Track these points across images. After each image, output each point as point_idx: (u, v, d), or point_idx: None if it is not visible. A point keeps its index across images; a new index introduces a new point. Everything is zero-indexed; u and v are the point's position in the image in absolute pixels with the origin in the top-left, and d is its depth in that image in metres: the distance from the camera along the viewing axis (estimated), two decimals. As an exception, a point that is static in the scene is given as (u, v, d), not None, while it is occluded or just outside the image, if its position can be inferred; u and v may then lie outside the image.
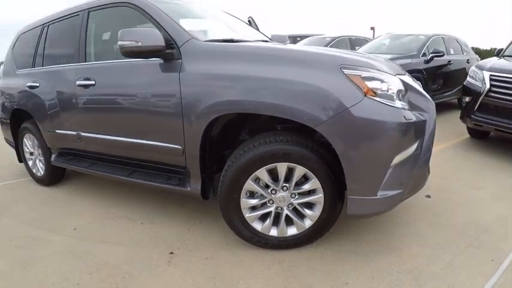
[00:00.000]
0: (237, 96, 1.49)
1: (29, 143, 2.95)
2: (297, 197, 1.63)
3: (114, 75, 2.02)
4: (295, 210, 1.66)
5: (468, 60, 5.14)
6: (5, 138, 3.38)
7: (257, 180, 1.60)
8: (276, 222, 1.69)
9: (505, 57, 3.52)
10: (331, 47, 5.80)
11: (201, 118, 1.58)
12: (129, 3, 1.98)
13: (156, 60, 1.77)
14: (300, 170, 1.54)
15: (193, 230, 1.99)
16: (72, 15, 2.40)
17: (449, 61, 4.70)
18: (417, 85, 1.75)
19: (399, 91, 1.48)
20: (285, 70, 1.44)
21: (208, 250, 1.77)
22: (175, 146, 1.75)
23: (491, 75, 2.94)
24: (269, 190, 1.62)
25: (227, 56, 1.59)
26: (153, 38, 1.62)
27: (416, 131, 1.53)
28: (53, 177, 2.88)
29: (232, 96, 1.50)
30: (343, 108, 1.36)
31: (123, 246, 1.88)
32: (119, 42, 1.65)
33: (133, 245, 1.89)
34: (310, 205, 1.64)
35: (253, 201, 1.64)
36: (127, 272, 1.65)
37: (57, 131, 2.50)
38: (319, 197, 1.59)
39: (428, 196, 2.28)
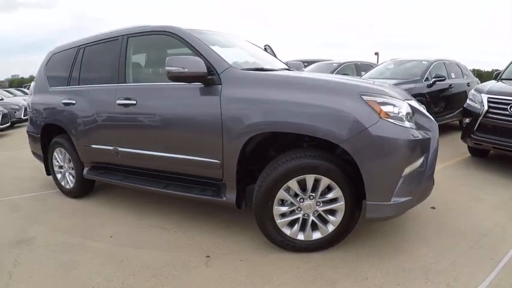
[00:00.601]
0: (276, 118, 1.84)
1: (59, 157, 3.24)
2: (321, 204, 1.94)
3: (156, 96, 2.37)
4: (319, 216, 1.97)
5: (468, 83, 5.61)
6: (32, 151, 3.67)
7: (288, 190, 1.92)
8: (302, 228, 1.99)
9: (503, 80, 3.97)
10: (337, 72, 6.25)
11: (241, 136, 1.92)
12: (168, 32, 2.35)
13: (197, 85, 2.11)
14: (325, 181, 1.87)
15: (225, 237, 2.27)
16: (110, 39, 2.74)
17: (451, 85, 5.16)
18: (422, 108, 2.11)
19: (407, 114, 1.84)
20: (315, 96, 1.80)
21: (241, 253, 2.06)
22: (214, 161, 2.07)
23: (488, 97, 3.35)
24: (298, 199, 1.93)
25: (262, 84, 1.97)
26: (197, 65, 1.98)
27: (422, 147, 1.87)
28: (83, 189, 3.17)
29: (271, 118, 1.85)
30: (362, 128, 1.71)
31: (161, 251, 2.14)
32: (167, 68, 2.00)
33: (170, 250, 2.15)
34: (332, 212, 1.96)
35: (284, 209, 1.96)
36: (168, 273, 1.90)
37: (92, 145, 2.81)
38: (340, 205, 1.91)
39: (433, 207, 2.59)
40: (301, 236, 1.99)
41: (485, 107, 3.30)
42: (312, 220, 1.97)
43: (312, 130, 1.77)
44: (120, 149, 2.60)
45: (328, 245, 2.02)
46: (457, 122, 5.45)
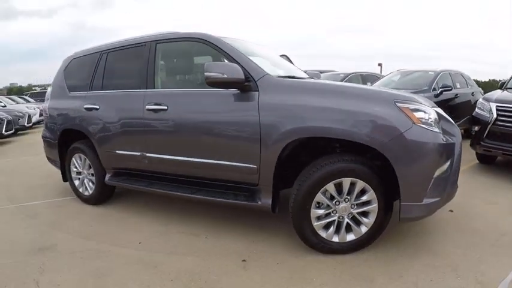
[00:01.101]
0: (317, 123, 1.99)
1: (78, 163, 3.30)
2: (355, 207, 2.09)
3: (188, 102, 2.48)
4: (353, 218, 2.11)
5: (473, 93, 5.95)
6: (47, 157, 3.72)
7: (324, 192, 2.06)
8: (336, 230, 2.12)
9: (508, 89, 4.27)
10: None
11: (280, 141, 2.05)
12: (201, 39, 2.48)
13: (233, 91, 2.24)
14: (360, 184, 2.02)
15: (257, 241, 2.38)
16: (136, 45, 2.84)
17: (456, 94, 5.46)
18: (446, 115, 2.30)
19: (435, 119, 2.03)
20: (353, 103, 1.97)
21: (277, 257, 2.17)
22: (251, 166, 2.19)
23: (497, 106, 3.60)
24: (334, 201, 2.08)
25: (300, 91, 2.13)
26: (237, 72, 2.11)
27: (449, 151, 2.05)
28: (102, 196, 3.24)
29: (312, 123, 2.00)
30: (398, 132, 1.88)
31: (195, 256, 2.21)
32: (206, 73, 2.13)
33: (204, 255, 2.23)
34: (365, 214, 2.10)
35: (321, 212, 2.09)
36: (207, 277, 1.97)
37: (116, 151, 2.88)
38: (374, 207, 2.06)
39: (451, 210, 2.78)
40: (336, 238, 2.13)
41: (494, 115, 3.54)
42: (347, 222, 2.11)
43: (351, 135, 1.93)
44: (148, 154, 2.68)
45: (360, 247, 2.15)
46: (462, 130, 5.72)
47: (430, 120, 1.98)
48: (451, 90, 5.17)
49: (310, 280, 1.92)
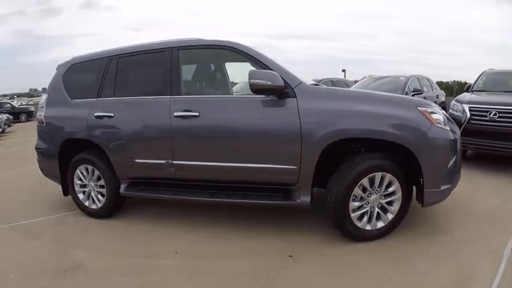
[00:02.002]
0: (354, 126, 2.37)
1: (83, 175, 3.26)
2: (383, 197, 2.50)
3: (224, 108, 2.68)
4: (381, 207, 2.52)
5: (437, 95, 6.94)
6: (43, 170, 3.57)
7: (360, 186, 2.44)
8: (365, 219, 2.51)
9: (474, 92, 5.16)
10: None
11: (321, 143, 2.38)
12: (231, 47, 2.70)
13: (268, 97, 2.50)
14: (388, 177, 2.44)
15: (292, 238, 2.66)
16: (155, 51, 2.94)
17: (425, 97, 6.30)
18: (448, 116, 2.85)
19: (445, 120, 2.54)
20: (384, 108, 2.40)
21: (319, 249, 2.47)
22: (291, 167, 2.48)
23: (470, 107, 4.38)
24: (366, 194, 2.47)
25: (335, 97, 2.51)
26: (278, 79, 2.40)
27: (455, 145, 2.57)
28: (113, 209, 3.23)
29: (351, 126, 2.37)
30: (422, 131, 2.34)
31: (239, 259, 2.38)
32: (251, 80, 2.39)
33: (246, 257, 2.41)
34: (391, 203, 2.53)
35: (356, 204, 2.47)
36: (267, 274, 2.16)
37: (136, 160, 2.93)
38: (398, 196, 2.49)
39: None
40: (368, 227, 2.52)
41: (468, 115, 4.30)
42: (377, 211, 2.51)
43: (386, 135, 2.35)
44: (175, 162, 2.79)
45: (387, 233, 2.57)
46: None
47: (442, 120, 2.48)
48: (421, 93, 6.01)
49: (357, 265, 2.26)
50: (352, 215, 2.46)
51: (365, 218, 2.50)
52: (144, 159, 2.92)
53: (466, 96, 4.85)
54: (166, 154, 2.82)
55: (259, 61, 2.61)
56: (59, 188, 3.40)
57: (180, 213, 3.26)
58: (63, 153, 3.31)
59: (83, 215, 3.32)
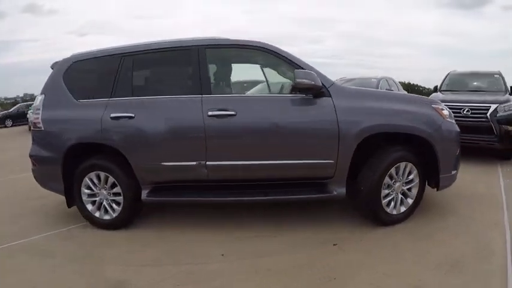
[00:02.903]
0: (386, 121, 2.79)
1: (93, 183, 3.15)
2: (405, 184, 2.96)
3: (262, 107, 2.91)
4: (403, 193, 2.98)
5: (403, 95, 7.90)
6: (39, 181, 3.34)
7: (389, 175, 2.86)
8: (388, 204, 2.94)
9: (443, 92, 6.08)
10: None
11: (356, 137, 2.74)
12: (262, 47, 2.92)
13: (304, 96, 2.79)
14: (409, 166, 2.90)
15: (326, 227, 2.98)
16: (176, 49, 3.01)
17: None
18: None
19: (451, 115, 3.11)
20: (407, 106, 2.88)
21: (356, 236, 2.80)
22: (329, 161, 2.80)
23: (445, 105, 5.13)
24: (392, 181, 2.90)
25: (365, 96, 2.93)
26: (317, 79, 2.70)
27: (459, 136, 3.14)
28: (132, 217, 3.18)
29: (383, 122, 2.79)
30: (437, 125, 2.86)
31: (291, 254, 2.56)
32: (297, 80, 2.67)
33: (297, 251, 2.61)
34: (410, 189, 3.00)
35: (386, 191, 2.89)
36: (321, 263, 2.40)
37: (163, 163, 2.94)
38: (416, 183, 2.98)
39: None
40: (394, 211, 2.95)
41: None
42: (400, 197, 2.96)
43: (411, 129, 2.82)
44: (209, 162, 2.88)
45: (409, 215, 3.02)
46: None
47: (449, 115, 3.03)
48: (392, 93, 6.86)
49: (398, 244, 2.64)
50: (383, 201, 2.87)
51: (392, 204, 2.93)
52: (173, 161, 2.94)
53: (438, 95, 5.73)
54: (198, 155, 2.88)
55: (295, 63, 2.87)
56: (49, 199, 3.26)
57: (203, 216, 3.33)
58: (68, 160, 3.15)
59: (91, 227, 3.20)
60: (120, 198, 3.11)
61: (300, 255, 2.57)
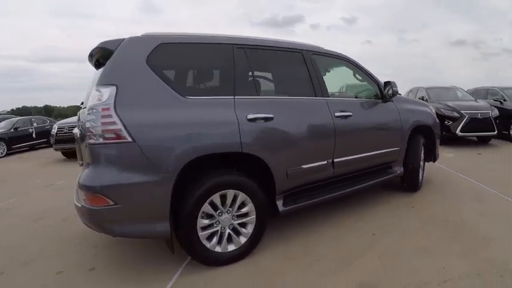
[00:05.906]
0: (420, 119, 3.93)
1: (216, 207, 2.42)
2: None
3: (365, 109, 3.42)
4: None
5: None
6: (118, 224, 2.18)
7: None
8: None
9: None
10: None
11: (409, 129, 3.76)
12: (346, 59, 3.45)
13: (382, 101, 3.56)
14: (423, 141, 4.14)
15: (374, 218, 3.28)
16: (287, 50, 2.97)
17: None
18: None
19: (434, 111, 4.67)
20: (422, 108, 4.17)
21: (396, 227, 3.07)
22: (396, 148, 3.66)
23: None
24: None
25: (409, 102, 4.06)
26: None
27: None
28: (259, 240, 2.65)
29: (418, 119, 3.91)
30: (434, 118, 4.30)
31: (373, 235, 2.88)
32: (394, 88, 3.44)
33: (376, 239, 2.82)
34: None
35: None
36: (382, 246, 2.67)
37: (303, 166, 2.79)
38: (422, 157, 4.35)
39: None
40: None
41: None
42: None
43: (427, 123, 4.06)
44: (336, 160, 3.01)
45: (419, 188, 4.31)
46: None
47: (435, 112, 4.53)
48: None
49: (428, 235, 2.85)
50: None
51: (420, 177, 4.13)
52: (311, 163, 2.85)
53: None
54: (328, 154, 2.98)
55: (368, 74, 3.60)
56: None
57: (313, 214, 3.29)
58: (178, 183, 2.26)
59: (200, 268, 2.42)
60: (249, 219, 2.56)
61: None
